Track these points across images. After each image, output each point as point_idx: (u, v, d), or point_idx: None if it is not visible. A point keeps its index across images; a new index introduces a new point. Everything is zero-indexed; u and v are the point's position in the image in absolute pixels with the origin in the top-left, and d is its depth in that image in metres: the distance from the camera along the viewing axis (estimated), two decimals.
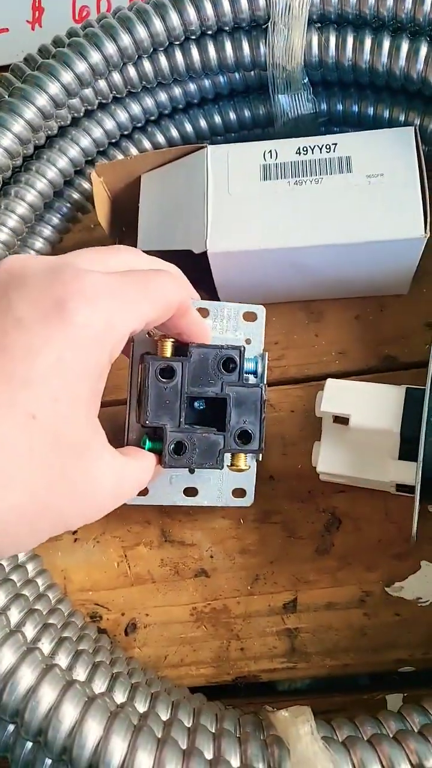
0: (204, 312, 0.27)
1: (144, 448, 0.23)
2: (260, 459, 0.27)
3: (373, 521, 0.28)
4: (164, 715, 0.20)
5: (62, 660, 0.21)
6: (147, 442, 0.24)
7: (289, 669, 0.26)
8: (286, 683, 0.29)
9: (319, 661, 0.26)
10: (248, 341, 0.27)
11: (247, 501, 0.27)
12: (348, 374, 0.30)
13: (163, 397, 0.23)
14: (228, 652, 0.27)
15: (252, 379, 0.26)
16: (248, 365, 0.25)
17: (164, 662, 0.27)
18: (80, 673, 0.21)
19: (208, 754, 0.18)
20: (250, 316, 0.27)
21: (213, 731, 0.19)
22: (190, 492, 0.27)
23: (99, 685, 0.21)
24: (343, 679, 0.28)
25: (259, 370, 0.26)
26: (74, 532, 0.29)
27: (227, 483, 0.27)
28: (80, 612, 0.28)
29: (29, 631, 0.22)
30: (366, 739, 0.19)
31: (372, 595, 0.27)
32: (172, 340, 0.24)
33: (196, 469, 0.27)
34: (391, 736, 0.19)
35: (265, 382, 0.26)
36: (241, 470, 0.25)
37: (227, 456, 0.25)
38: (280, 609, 0.27)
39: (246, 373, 0.25)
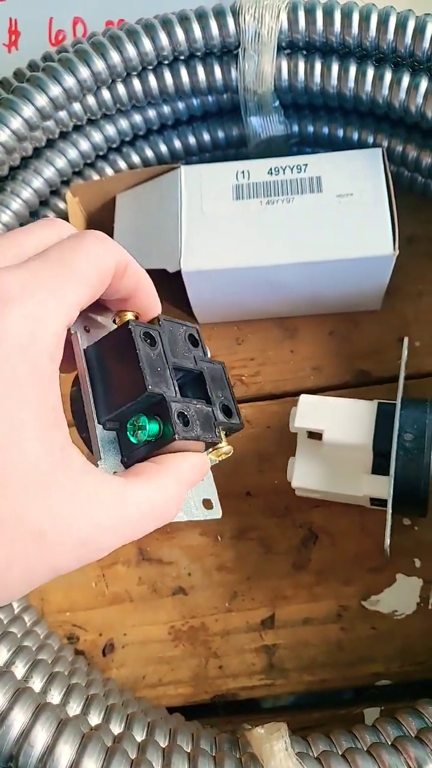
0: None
1: (141, 433, 0.19)
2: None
3: (349, 536, 0.28)
4: (140, 737, 0.20)
5: (36, 683, 0.21)
6: (145, 420, 0.19)
7: (267, 686, 0.26)
8: (269, 701, 0.29)
9: (297, 677, 0.26)
10: None
11: (216, 513, 0.23)
12: (323, 389, 0.31)
13: (154, 365, 0.19)
14: (206, 671, 0.27)
15: None
16: (207, 350, 0.23)
17: (142, 682, 0.27)
18: (55, 696, 0.21)
19: None
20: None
21: (188, 751, 0.19)
22: None
23: (74, 708, 0.21)
24: (326, 695, 0.28)
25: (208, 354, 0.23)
26: None
27: (195, 494, 0.23)
28: (57, 634, 0.27)
29: (2, 654, 0.21)
30: (340, 753, 0.19)
31: (349, 610, 0.27)
32: (132, 312, 0.20)
33: None
34: (365, 749, 0.19)
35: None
36: (222, 455, 0.21)
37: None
38: (258, 625, 0.27)
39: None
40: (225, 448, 0.21)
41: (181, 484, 0.18)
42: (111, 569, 0.29)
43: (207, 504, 0.23)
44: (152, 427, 0.19)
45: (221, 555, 0.28)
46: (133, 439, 0.19)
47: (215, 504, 0.23)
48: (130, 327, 0.19)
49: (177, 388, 0.20)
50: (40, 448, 0.15)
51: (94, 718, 0.20)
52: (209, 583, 0.28)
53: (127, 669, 0.27)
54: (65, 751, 0.17)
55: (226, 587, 0.28)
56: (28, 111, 0.27)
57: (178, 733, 0.21)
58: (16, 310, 0.15)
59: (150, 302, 0.20)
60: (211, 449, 0.21)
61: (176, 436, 0.18)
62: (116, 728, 0.20)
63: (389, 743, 0.19)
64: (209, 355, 0.23)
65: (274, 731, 0.20)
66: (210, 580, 0.28)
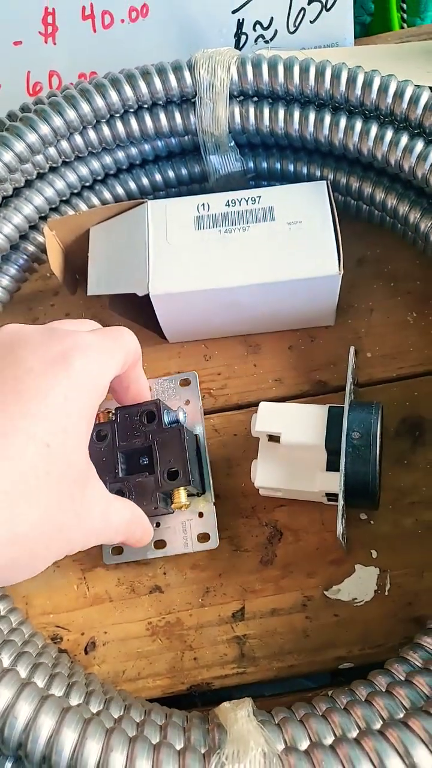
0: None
1: None
2: (208, 498, 0.30)
3: (311, 531, 0.30)
4: (116, 714, 0.22)
5: (21, 671, 0.23)
6: None
7: (239, 674, 0.28)
8: (243, 690, 0.30)
9: (266, 665, 0.28)
10: (187, 402, 0.31)
11: (213, 544, 0.29)
12: (284, 399, 0.33)
13: (100, 456, 0.27)
14: (182, 663, 0.29)
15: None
16: (170, 417, 0.28)
17: (122, 677, 0.29)
18: (38, 682, 0.22)
19: (154, 740, 0.20)
20: (185, 382, 0.32)
21: (160, 724, 0.21)
22: (159, 545, 0.30)
23: (56, 692, 0.22)
24: (301, 682, 0.30)
25: (181, 418, 0.29)
26: None
27: (192, 530, 0.30)
28: (41, 634, 0.29)
29: None
30: (298, 719, 0.21)
31: (312, 600, 0.29)
32: (111, 411, 0.29)
33: (161, 523, 0.30)
34: (320, 714, 0.21)
35: (202, 417, 0.31)
36: (180, 507, 0.28)
37: (168, 496, 0.28)
38: (229, 618, 0.29)
39: (170, 423, 0.28)
40: (180, 503, 0.27)
41: (135, 520, 0.26)
42: (92, 572, 0.31)
43: (203, 537, 0.29)
44: None
45: (194, 554, 0.30)
46: None
47: (212, 536, 0.29)
48: None
49: (122, 467, 0.27)
50: (84, 456, 0.22)
51: (75, 700, 0.22)
52: (183, 581, 0.30)
53: (108, 665, 0.29)
54: (46, 723, 0.19)
55: (199, 584, 0.30)
56: (7, 156, 0.30)
57: (153, 712, 0.22)
58: (92, 354, 0.22)
59: (141, 397, 0.28)
60: (171, 504, 0.27)
61: None
62: (95, 708, 0.22)
63: (342, 708, 0.21)
64: (182, 418, 0.28)
65: (239, 703, 0.22)
66: (184, 578, 0.30)
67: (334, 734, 0.20)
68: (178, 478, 0.27)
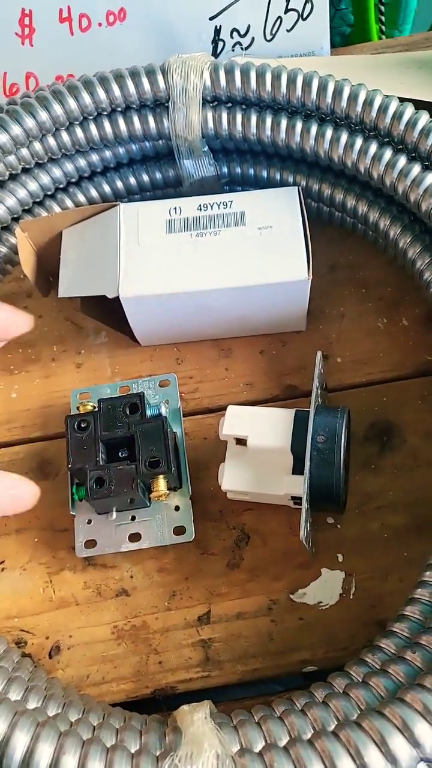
0: (126, 388, 0.32)
1: (75, 497, 0.29)
2: (185, 492, 0.30)
3: (278, 535, 0.30)
4: (74, 717, 0.22)
5: None
6: (76, 489, 0.29)
7: (203, 678, 0.28)
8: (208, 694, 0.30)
9: (231, 668, 0.28)
10: (167, 402, 0.32)
11: (188, 536, 0.30)
12: (255, 403, 0.33)
13: (81, 445, 0.28)
14: (147, 667, 0.28)
15: None
16: (152, 409, 0.30)
17: (87, 681, 0.28)
18: None
19: (109, 743, 0.20)
20: (165, 383, 0.33)
21: (117, 727, 0.21)
22: (134, 538, 0.30)
23: (12, 696, 0.22)
24: (272, 687, 0.30)
25: (163, 410, 0.30)
26: (1, 561, 0.31)
27: (167, 524, 0.30)
28: (5, 638, 0.29)
29: None
30: (256, 721, 0.21)
31: (278, 603, 0.29)
32: (92, 404, 0.29)
33: (136, 517, 0.30)
34: (278, 716, 0.21)
35: (180, 417, 0.32)
36: (160, 496, 0.28)
37: (147, 486, 0.28)
38: (195, 621, 0.29)
39: (152, 415, 0.29)
40: (160, 492, 0.28)
41: None
42: (58, 575, 0.30)
43: (179, 531, 0.30)
44: (81, 492, 0.28)
45: (161, 558, 0.30)
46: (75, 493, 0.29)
47: (188, 529, 0.30)
48: (66, 420, 0.29)
49: (102, 457, 0.28)
50: None
51: (32, 704, 0.22)
52: (150, 584, 0.30)
53: (72, 669, 0.29)
54: None
55: (165, 587, 0.30)
56: None
57: (111, 716, 0.22)
58: None
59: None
60: (151, 493, 0.28)
61: (89, 498, 0.28)
62: (52, 711, 0.22)
63: (299, 709, 0.21)
64: (164, 411, 0.30)
65: (197, 706, 0.21)
66: (151, 581, 0.30)
67: (290, 736, 0.20)
68: (159, 466, 0.28)
